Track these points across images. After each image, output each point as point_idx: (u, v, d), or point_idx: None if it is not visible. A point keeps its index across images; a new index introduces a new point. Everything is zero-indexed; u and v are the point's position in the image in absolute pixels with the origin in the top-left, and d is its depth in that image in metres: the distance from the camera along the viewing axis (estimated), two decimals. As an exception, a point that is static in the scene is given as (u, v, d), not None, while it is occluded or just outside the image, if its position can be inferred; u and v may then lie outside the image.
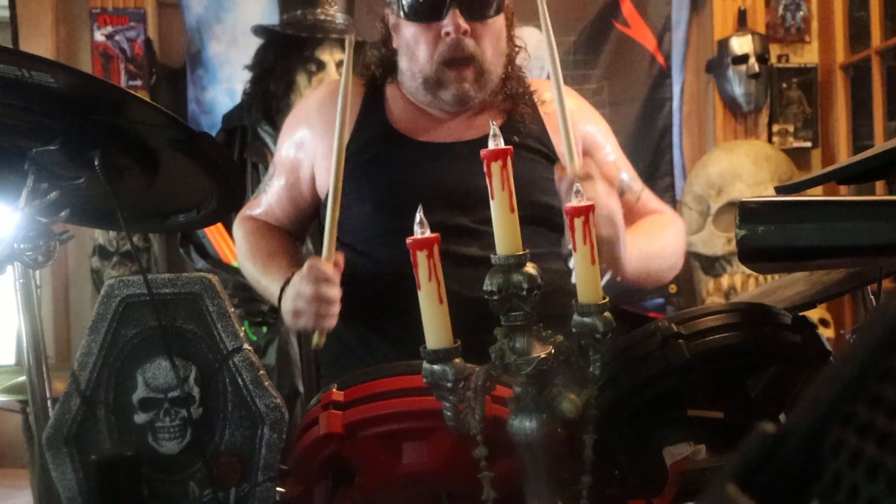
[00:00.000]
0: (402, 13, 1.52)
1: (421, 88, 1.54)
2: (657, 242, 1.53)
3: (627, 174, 1.62)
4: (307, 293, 1.31)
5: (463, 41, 1.48)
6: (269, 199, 1.66)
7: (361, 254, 1.53)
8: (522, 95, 1.58)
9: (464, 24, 1.47)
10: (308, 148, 1.60)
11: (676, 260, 1.57)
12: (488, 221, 1.43)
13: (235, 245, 1.67)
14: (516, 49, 1.61)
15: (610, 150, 1.63)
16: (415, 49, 1.52)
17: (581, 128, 1.59)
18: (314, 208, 1.64)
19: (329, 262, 1.32)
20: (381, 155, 1.55)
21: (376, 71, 1.63)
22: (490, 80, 1.54)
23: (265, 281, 1.52)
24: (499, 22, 1.54)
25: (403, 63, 1.57)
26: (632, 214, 1.56)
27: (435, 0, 1.47)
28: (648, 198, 1.63)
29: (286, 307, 1.37)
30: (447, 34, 1.47)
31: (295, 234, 1.69)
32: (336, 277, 1.32)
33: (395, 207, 1.47)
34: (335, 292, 1.31)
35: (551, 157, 1.55)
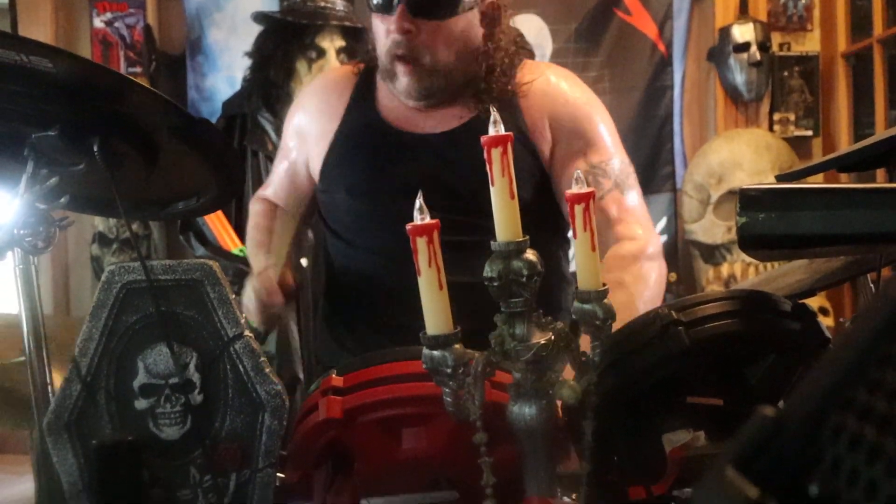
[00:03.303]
0: (369, 3, 1.52)
1: (385, 77, 1.56)
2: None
3: (604, 168, 1.50)
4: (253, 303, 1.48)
5: (403, 40, 1.46)
6: (274, 181, 1.75)
7: (343, 240, 1.59)
8: (500, 82, 1.53)
9: (407, 25, 1.45)
10: (304, 132, 1.65)
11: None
12: (460, 211, 1.43)
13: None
14: (502, 43, 1.54)
15: (590, 140, 1.53)
16: (376, 39, 1.54)
17: (551, 111, 1.54)
18: (313, 190, 1.68)
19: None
20: (364, 143, 1.57)
21: (366, 57, 1.64)
22: (442, 78, 1.51)
23: (252, 261, 1.64)
24: (460, 22, 1.49)
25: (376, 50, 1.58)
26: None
27: None
28: (615, 200, 1.48)
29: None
30: (389, 31, 1.47)
31: (297, 214, 1.73)
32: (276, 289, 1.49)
33: (369, 195, 1.51)
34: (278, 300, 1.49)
35: (526, 144, 1.51)
